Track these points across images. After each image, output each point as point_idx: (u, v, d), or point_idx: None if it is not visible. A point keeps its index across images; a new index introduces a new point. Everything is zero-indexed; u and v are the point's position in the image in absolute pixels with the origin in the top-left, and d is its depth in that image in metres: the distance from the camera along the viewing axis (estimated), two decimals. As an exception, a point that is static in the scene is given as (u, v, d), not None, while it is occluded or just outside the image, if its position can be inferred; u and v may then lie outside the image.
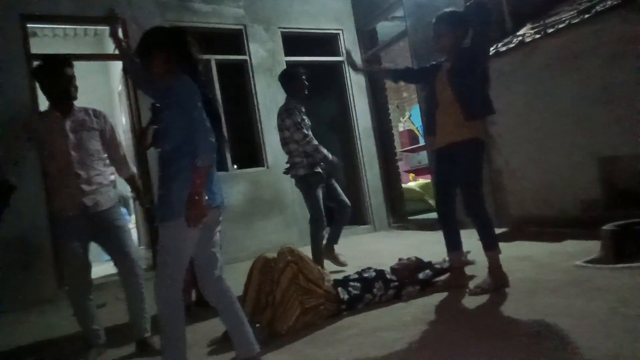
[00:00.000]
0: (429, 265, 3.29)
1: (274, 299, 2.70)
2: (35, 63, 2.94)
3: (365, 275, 3.05)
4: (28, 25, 5.22)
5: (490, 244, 2.93)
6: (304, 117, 4.23)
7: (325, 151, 4.18)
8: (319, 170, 4.16)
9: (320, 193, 4.18)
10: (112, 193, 2.88)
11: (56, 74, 2.69)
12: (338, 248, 4.39)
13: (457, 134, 2.94)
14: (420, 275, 3.15)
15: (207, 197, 1.94)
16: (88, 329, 2.78)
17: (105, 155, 2.91)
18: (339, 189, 4.42)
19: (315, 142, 4.14)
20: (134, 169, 3.03)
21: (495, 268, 2.90)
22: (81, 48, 7.50)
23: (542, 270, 3.14)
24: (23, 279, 4.72)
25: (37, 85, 2.83)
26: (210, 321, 3.11)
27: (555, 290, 2.67)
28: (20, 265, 4.73)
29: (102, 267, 4.53)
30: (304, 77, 4.28)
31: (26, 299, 4.67)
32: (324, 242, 4.28)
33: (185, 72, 2.04)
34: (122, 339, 2.98)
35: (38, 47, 5.47)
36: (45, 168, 2.75)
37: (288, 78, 4.32)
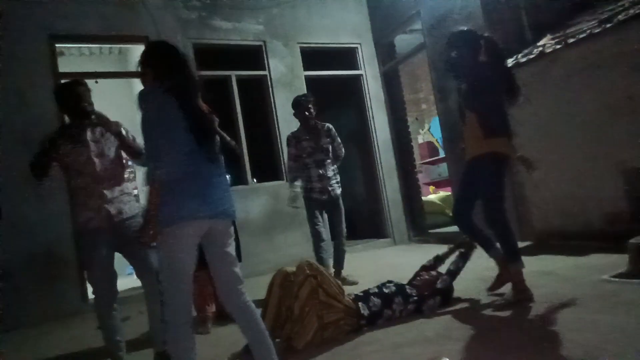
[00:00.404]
0: (438, 262, 3.41)
1: (293, 314, 2.70)
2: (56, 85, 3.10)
3: (385, 290, 3.02)
4: (56, 44, 5.39)
5: (512, 257, 2.89)
6: (303, 144, 4.43)
7: (293, 187, 4.41)
8: (312, 195, 4.41)
9: (316, 212, 4.42)
10: (134, 204, 2.96)
11: (70, 92, 2.85)
12: (357, 264, 4.40)
13: (477, 148, 2.97)
14: (439, 285, 3.12)
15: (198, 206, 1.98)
16: (111, 339, 2.82)
17: (129, 164, 2.99)
18: (338, 222, 4.55)
19: (291, 175, 4.46)
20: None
21: (517, 282, 2.87)
22: (106, 66, 7.69)
23: (567, 285, 3.08)
24: (48, 292, 4.82)
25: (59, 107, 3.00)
26: (230, 335, 3.12)
27: (580, 305, 2.61)
28: (46, 278, 4.83)
29: (125, 280, 4.59)
30: (309, 106, 4.48)
31: (51, 311, 4.76)
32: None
33: (169, 86, 2.05)
34: (142, 351, 3.02)
35: (65, 65, 5.64)
36: (70, 182, 2.83)
37: (294, 106, 4.58)
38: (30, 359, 3.51)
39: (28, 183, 4.68)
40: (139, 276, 2.87)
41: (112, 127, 2.78)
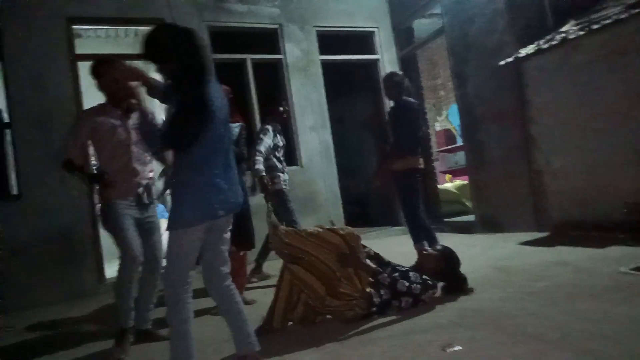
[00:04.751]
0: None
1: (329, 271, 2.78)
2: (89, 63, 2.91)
3: (396, 281, 2.94)
4: (73, 27, 5.41)
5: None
6: (279, 137, 4.46)
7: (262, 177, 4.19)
8: (284, 187, 4.42)
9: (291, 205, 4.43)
10: (155, 189, 3.05)
11: (112, 70, 2.75)
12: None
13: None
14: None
15: (215, 205, 2.01)
16: (125, 307, 2.83)
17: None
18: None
19: (260, 167, 4.19)
20: None
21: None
22: (122, 48, 7.71)
23: (583, 276, 3.03)
24: (65, 272, 4.89)
25: (96, 82, 2.84)
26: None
27: (597, 296, 2.57)
28: (63, 259, 4.90)
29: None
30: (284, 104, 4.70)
31: (67, 291, 4.84)
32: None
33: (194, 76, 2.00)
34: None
35: (81, 48, 5.65)
36: (104, 163, 2.85)
37: (274, 101, 4.66)
38: (46, 335, 3.58)
39: (46, 166, 4.77)
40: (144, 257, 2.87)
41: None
